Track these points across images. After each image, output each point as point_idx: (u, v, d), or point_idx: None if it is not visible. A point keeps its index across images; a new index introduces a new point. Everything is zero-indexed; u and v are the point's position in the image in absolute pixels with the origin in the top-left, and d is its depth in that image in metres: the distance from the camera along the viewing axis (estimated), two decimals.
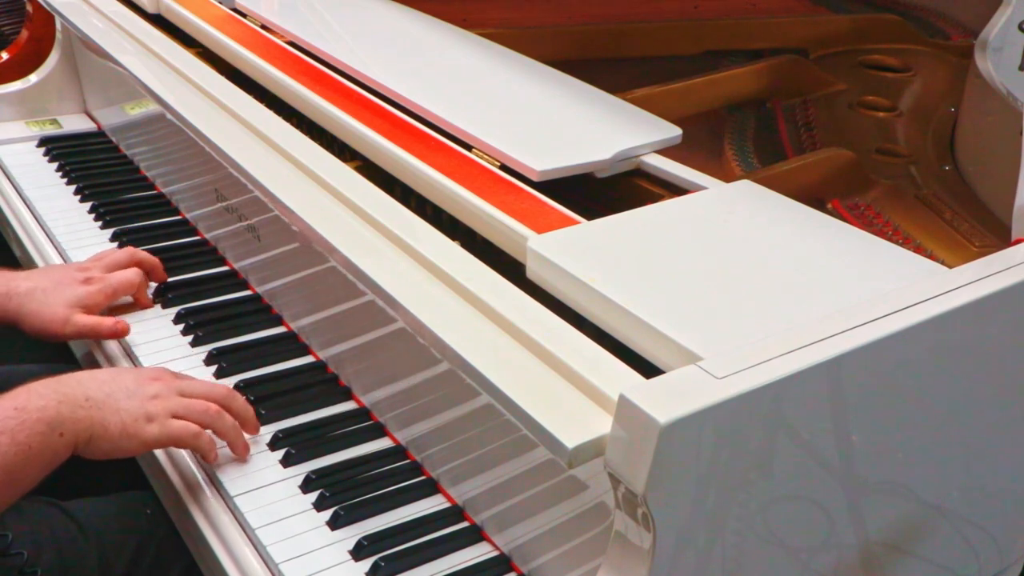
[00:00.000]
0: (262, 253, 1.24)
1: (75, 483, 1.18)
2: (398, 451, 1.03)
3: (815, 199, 1.25)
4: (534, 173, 1.02)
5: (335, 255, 0.97)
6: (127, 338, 1.17)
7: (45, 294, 1.12)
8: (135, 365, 1.15)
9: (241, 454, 0.99)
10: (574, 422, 0.72)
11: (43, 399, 0.86)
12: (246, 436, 1.01)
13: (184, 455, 1.02)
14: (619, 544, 0.72)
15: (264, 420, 1.05)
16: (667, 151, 1.11)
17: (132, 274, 1.20)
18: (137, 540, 1.02)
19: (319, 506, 0.95)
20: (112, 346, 1.18)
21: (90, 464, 1.20)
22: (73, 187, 1.55)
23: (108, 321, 1.15)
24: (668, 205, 1.00)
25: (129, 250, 1.24)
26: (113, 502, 1.09)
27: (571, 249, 0.88)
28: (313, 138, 1.18)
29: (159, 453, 1.04)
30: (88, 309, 1.14)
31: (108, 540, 1.01)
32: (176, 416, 0.94)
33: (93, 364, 1.18)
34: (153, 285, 1.27)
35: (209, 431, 0.97)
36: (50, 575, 0.95)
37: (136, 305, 1.23)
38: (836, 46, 1.60)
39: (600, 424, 0.72)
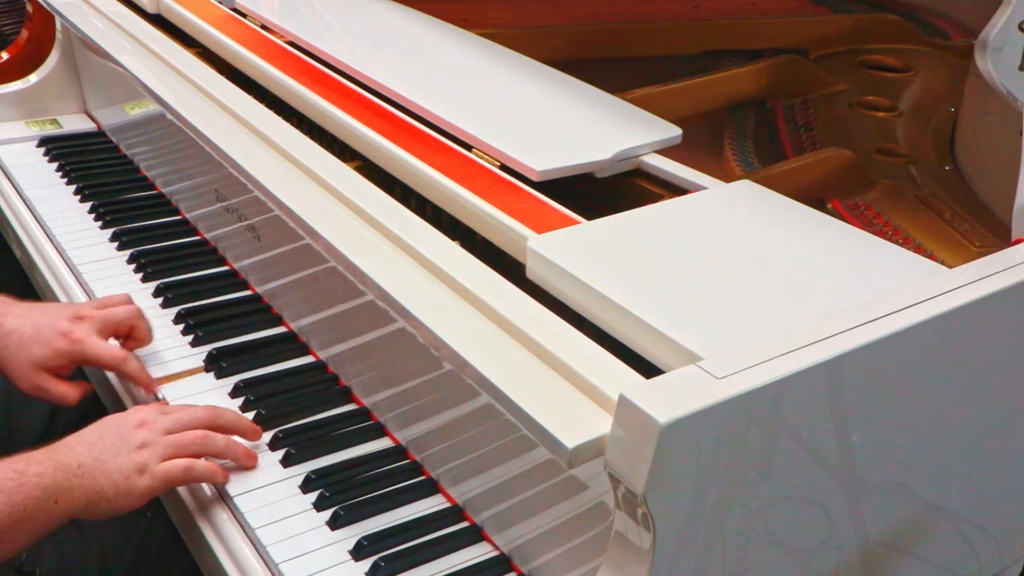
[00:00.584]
0: (262, 253, 1.24)
1: None
2: (398, 451, 1.03)
3: (815, 199, 1.25)
4: (534, 173, 1.02)
5: (335, 255, 0.97)
6: None
7: (19, 344, 1.07)
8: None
9: (245, 463, 0.98)
10: (574, 422, 0.72)
11: (41, 466, 0.87)
12: (251, 443, 1.00)
13: None
14: (619, 544, 0.72)
15: (264, 420, 1.05)
16: (667, 151, 1.11)
17: (117, 354, 1.09)
18: (138, 542, 1.02)
19: (319, 506, 0.95)
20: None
21: None
22: (73, 187, 1.55)
23: (73, 394, 1.09)
24: (668, 205, 1.00)
25: (133, 311, 1.14)
26: None
27: (571, 249, 0.88)
28: (313, 138, 1.18)
29: None
30: (52, 371, 1.07)
31: (109, 542, 1.01)
32: (166, 458, 0.93)
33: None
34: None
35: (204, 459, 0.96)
36: None
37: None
38: (836, 46, 1.59)
39: (600, 424, 0.72)
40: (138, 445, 0.93)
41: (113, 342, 1.09)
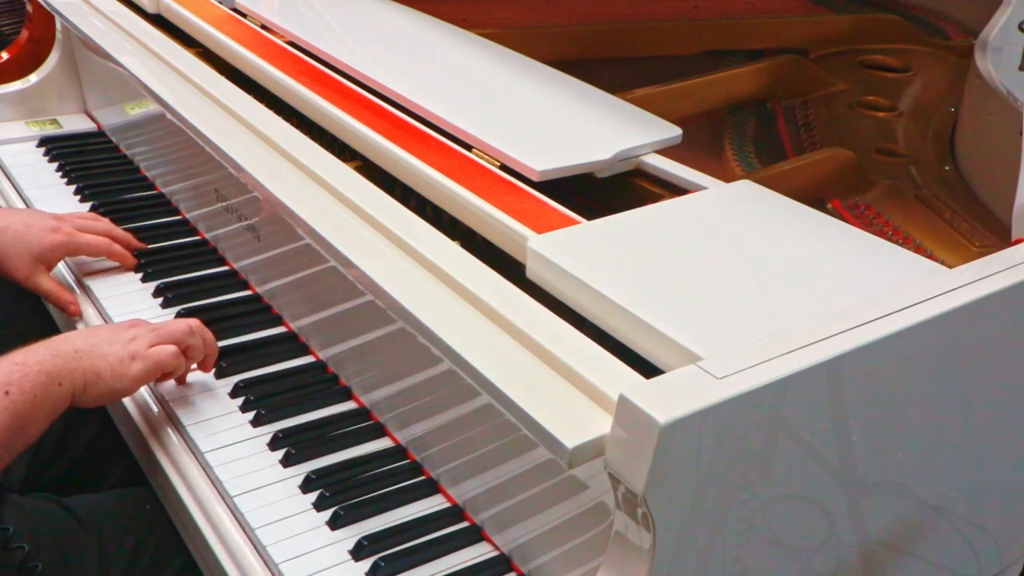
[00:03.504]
0: (262, 253, 1.24)
1: (75, 479, 1.18)
2: (398, 451, 1.03)
3: (815, 199, 1.25)
4: (534, 173, 1.02)
5: (335, 255, 0.97)
6: None
7: (16, 237, 1.18)
8: None
9: (208, 368, 1.09)
10: (574, 422, 0.72)
11: (39, 355, 0.93)
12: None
13: (182, 452, 1.02)
14: (619, 544, 0.72)
15: (264, 420, 1.05)
16: (667, 151, 1.11)
17: (99, 241, 1.26)
18: (137, 535, 1.03)
19: (319, 506, 0.95)
20: None
21: (90, 460, 1.21)
22: (73, 187, 1.55)
23: (65, 296, 1.22)
24: (668, 205, 1.00)
25: (107, 223, 1.31)
26: (113, 498, 1.10)
27: (571, 249, 0.88)
28: (313, 138, 1.18)
29: (157, 450, 1.04)
30: (49, 262, 1.22)
31: (108, 535, 1.01)
32: (154, 344, 1.02)
33: None
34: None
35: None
36: (51, 570, 0.96)
37: (120, 268, 1.31)
38: (836, 46, 1.60)
39: (600, 424, 0.72)
40: (130, 339, 1.01)
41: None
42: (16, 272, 1.18)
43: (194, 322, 1.07)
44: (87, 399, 0.96)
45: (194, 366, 1.09)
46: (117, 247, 1.29)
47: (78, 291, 1.30)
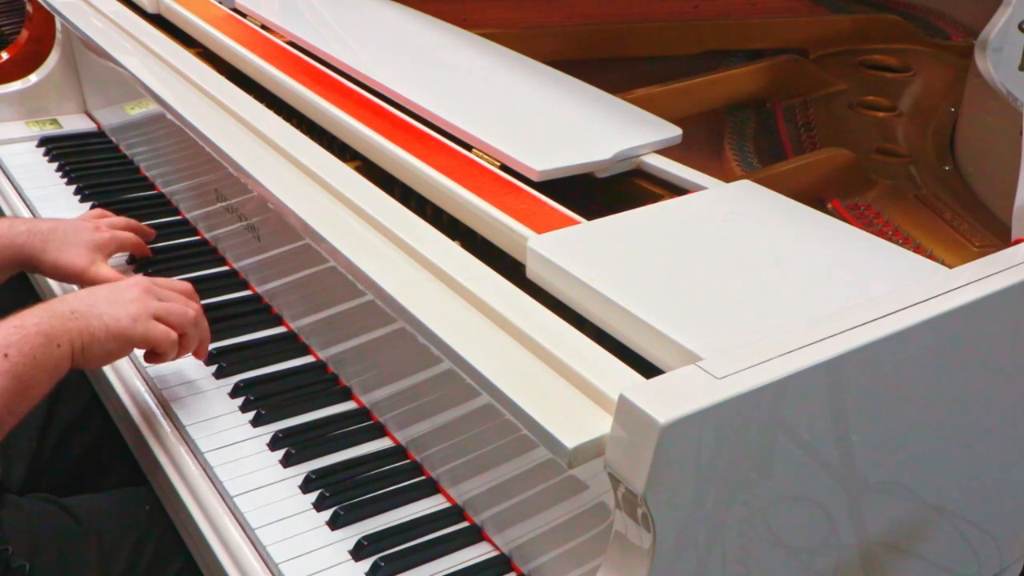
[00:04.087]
0: (262, 253, 1.24)
1: (76, 480, 1.19)
2: (398, 451, 1.03)
3: (815, 199, 1.25)
4: (534, 173, 1.02)
5: (335, 255, 0.97)
6: None
7: (67, 235, 1.20)
8: (137, 364, 1.15)
9: (200, 357, 1.10)
10: (574, 422, 0.72)
11: (36, 316, 0.93)
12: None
13: (182, 452, 1.02)
14: (619, 544, 0.72)
15: (264, 420, 1.05)
16: (667, 151, 1.11)
17: (132, 237, 1.29)
18: (136, 535, 1.03)
19: (319, 506, 0.95)
20: None
21: (89, 461, 1.21)
22: (73, 187, 1.55)
23: (133, 276, 1.21)
24: (668, 205, 1.00)
25: (125, 219, 1.33)
26: (112, 498, 1.10)
27: (571, 249, 0.88)
28: (313, 138, 1.18)
29: (157, 450, 1.04)
30: (105, 254, 1.22)
31: (107, 536, 1.01)
32: (157, 317, 1.01)
33: None
34: None
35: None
36: (49, 571, 0.96)
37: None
38: (836, 46, 1.59)
39: (600, 424, 0.72)
40: (129, 300, 1.01)
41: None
42: (75, 262, 1.18)
43: (197, 311, 1.07)
44: (86, 360, 0.96)
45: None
46: (144, 245, 1.32)
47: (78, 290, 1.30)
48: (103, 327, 0.96)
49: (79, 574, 0.98)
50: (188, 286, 1.10)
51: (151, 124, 1.49)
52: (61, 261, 1.18)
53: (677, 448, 0.66)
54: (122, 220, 1.32)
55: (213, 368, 1.13)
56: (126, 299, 1.00)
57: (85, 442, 1.22)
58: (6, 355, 0.87)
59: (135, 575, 1.01)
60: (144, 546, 1.03)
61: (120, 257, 1.33)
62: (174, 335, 1.02)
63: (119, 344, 0.98)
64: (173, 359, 1.05)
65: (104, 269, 1.20)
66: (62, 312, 0.95)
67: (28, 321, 0.91)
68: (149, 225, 1.43)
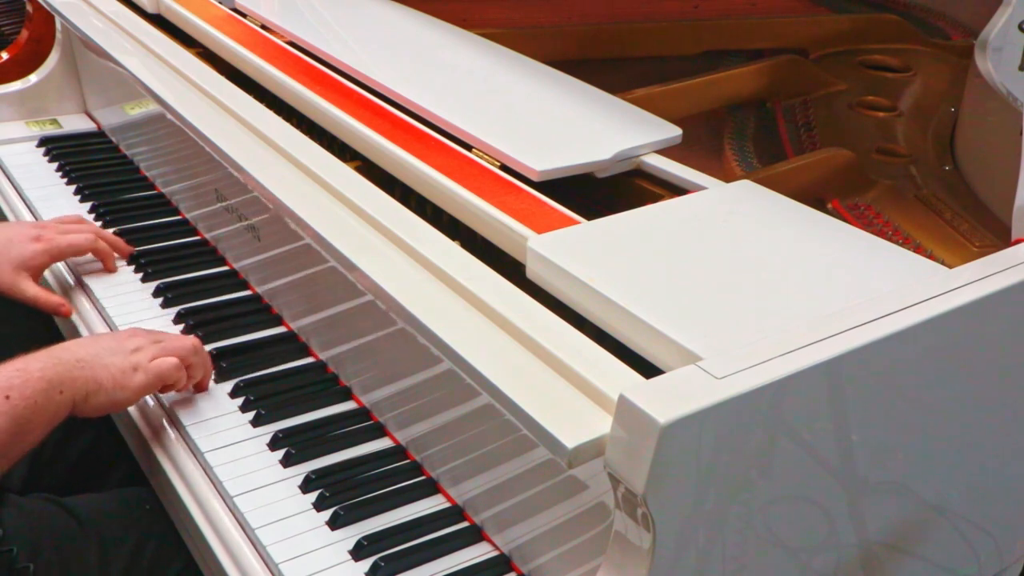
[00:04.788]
0: (262, 253, 1.24)
1: (75, 480, 1.18)
2: (398, 451, 1.03)
3: (815, 199, 1.25)
4: (534, 173, 1.02)
5: (335, 255, 0.97)
6: None
7: None
8: None
9: (202, 390, 1.09)
10: (574, 422, 0.72)
11: (40, 362, 0.93)
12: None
13: (182, 452, 1.02)
14: (619, 544, 0.72)
15: (264, 420, 1.05)
16: (667, 151, 1.11)
17: (82, 238, 1.26)
18: (137, 535, 1.03)
19: (319, 506, 0.95)
20: None
21: (90, 461, 1.21)
22: (73, 187, 1.55)
23: (54, 299, 1.22)
24: (668, 205, 1.00)
25: (92, 224, 1.32)
26: (112, 498, 1.10)
27: (571, 249, 0.88)
28: (313, 138, 1.18)
29: (157, 450, 1.04)
30: (33, 271, 1.21)
31: (108, 536, 1.01)
32: (156, 357, 1.02)
33: None
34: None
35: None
36: (50, 570, 0.96)
37: (103, 271, 1.31)
38: (836, 46, 1.60)
39: (600, 424, 0.72)
40: (133, 349, 1.01)
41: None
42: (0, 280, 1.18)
43: (196, 341, 1.07)
44: (87, 408, 0.96)
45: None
46: (101, 243, 1.28)
47: (78, 291, 1.30)
48: (109, 376, 0.97)
49: (80, 574, 0.98)
50: (188, 342, 1.08)
51: (151, 124, 1.49)
52: None
53: (677, 448, 0.66)
54: (84, 226, 1.29)
55: (213, 368, 1.13)
56: (128, 348, 1.01)
57: (85, 442, 1.22)
58: (7, 397, 0.88)
59: (135, 575, 1.01)
60: (144, 546, 1.03)
61: (122, 272, 1.33)
62: (175, 360, 1.02)
63: (125, 395, 0.98)
64: (183, 387, 1.06)
65: (27, 288, 1.19)
66: (67, 360, 0.95)
67: (32, 365, 0.92)
68: (149, 225, 1.43)
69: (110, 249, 1.30)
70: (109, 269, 1.30)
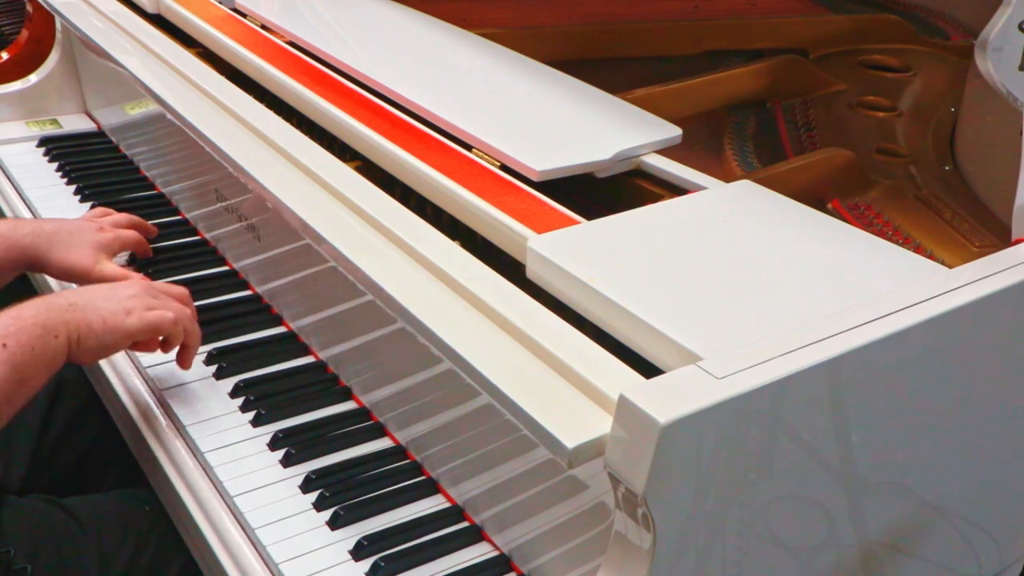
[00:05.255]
0: (262, 253, 1.24)
1: (73, 481, 1.19)
2: (398, 451, 1.03)
3: (815, 199, 1.25)
4: (534, 173, 1.02)
5: (335, 255, 0.97)
6: None
7: (71, 235, 1.21)
8: (136, 363, 1.15)
9: (190, 355, 1.08)
10: (574, 422, 0.72)
11: (33, 308, 0.94)
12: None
13: (182, 452, 1.02)
14: (619, 544, 0.72)
15: (264, 420, 1.05)
16: (667, 151, 1.11)
17: (135, 234, 1.30)
18: (136, 536, 1.03)
19: (319, 506, 0.95)
20: None
21: (91, 461, 1.21)
22: (73, 187, 1.55)
23: (136, 275, 1.23)
24: (668, 205, 1.00)
25: (127, 215, 1.34)
26: (112, 499, 1.10)
27: (571, 249, 0.88)
28: (313, 138, 1.18)
29: (157, 450, 1.04)
30: (110, 254, 1.23)
31: (107, 536, 1.02)
32: (152, 309, 1.02)
33: None
34: None
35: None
36: (49, 571, 0.96)
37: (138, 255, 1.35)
38: (836, 46, 1.60)
39: (600, 424, 0.72)
40: (128, 296, 1.02)
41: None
42: (81, 262, 1.19)
43: (192, 309, 1.08)
44: (82, 353, 0.96)
45: (173, 354, 1.09)
46: (145, 243, 1.33)
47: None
48: (100, 320, 0.97)
49: (79, 575, 0.98)
50: (184, 290, 1.11)
51: (151, 124, 1.49)
52: (67, 261, 1.19)
53: (677, 448, 0.66)
54: (124, 217, 1.32)
55: (213, 368, 1.13)
56: (123, 295, 1.02)
57: (84, 441, 1.22)
58: (4, 345, 0.88)
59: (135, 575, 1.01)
60: (144, 547, 1.03)
61: (120, 258, 1.33)
62: (170, 315, 1.03)
63: (115, 337, 0.99)
64: (165, 352, 1.06)
65: (109, 267, 1.21)
66: (59, 305, 0.96)
67: (25, 313, 0.92)
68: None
69: (147, 245, 1.34)
70: (147, 255, 1.35)
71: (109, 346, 0.99)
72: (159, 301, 1.04)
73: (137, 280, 1.08)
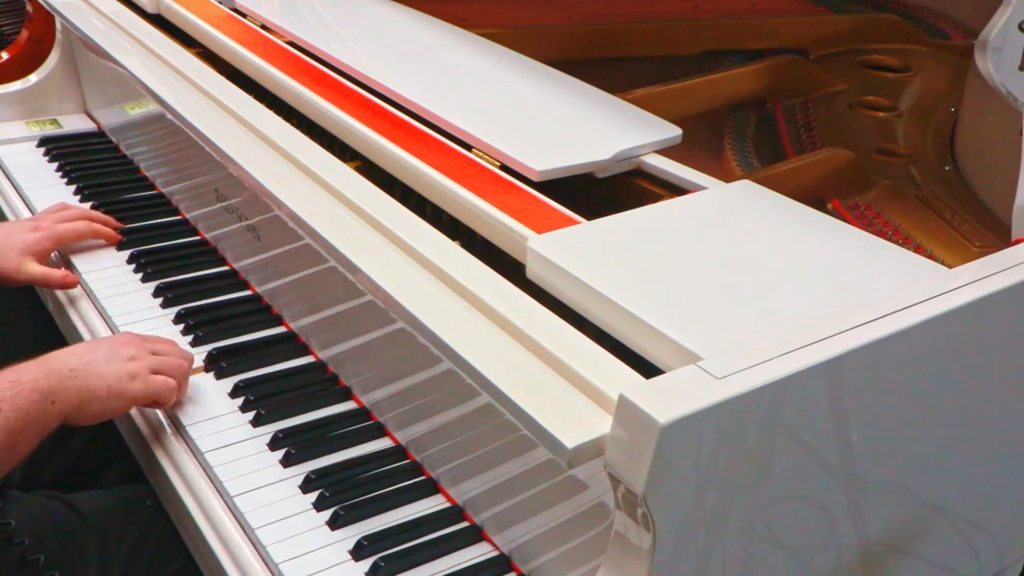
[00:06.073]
0: (262, 253, 1.24)
1: (77, 477, 1.19)
2: (398, 451, 1.03)
3: (815, 199, 1.25)
4: (534, 173, 1.02)
5: (335, 255, 0.97)
6: None
7: (0, 241, 1.23)
8: None
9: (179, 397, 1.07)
10: (574, 422, 0.72)
11: (33, 373, 0.93)
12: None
13: (182, 452, 1.02)
14: (619, 544, 0.72)
15: (264, 420, 1.05)
16: (667, 151, 1.11)
17: (81, 225, 1.31)
18: (137, 532, 1.03)
19: (319, 506, 0.95)
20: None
21: (91, 458, 1.21)
22: (73, 187, 1.55)
23: (58, 273, 1.26)
24: (668, 205, 1.00)
25: (81, 208, 1.37)
26: (114, 494, 1.10)
27: (571, 249, 0.88)
28: (313, 138, 1.18)
29: (157, 450, 1.04)
30: (37, 255, 1.25)
31: (109, 532, 1.02)
32: (155, 372, 1.02)
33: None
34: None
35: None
36: (52, 564, 0.96)
37: (102, 244, 1.36)
38: (836, 46, 1.60)
39: (600, 424, 0.72)
40: (129, 357, 1.01)
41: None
42: (6, 269, 1.21)
43: (189, 360, 1.08)
44: (81, 417, 0.96)
45: None
46: (98, 226, 1.34)
47: (79, 291, 1.30)
48: (104, 386, 0.96)
49: (80, 570, 0.98)
50: (172, 341, 1.11)
51: (151, 124, 1.49)
52: None
53: (677, 448, 0.66)
54: (76, 211, 1.35)
55: (213, 368, 1.13)
56: (124, 356, 1.00)
57: (83, 439, 1.22)
58: None
59: (135, 572, 1.01)
60: (145, 543, 1.03)
61: (120, 258, 1.33)
62: (173, 383, 1.03)
63: (120, 403, 0.98)
64: (163, 407, 1.06)
65: (33, 269, 1.23)
66: (60, 370, 0.95)
67: (24, 376, 0.92)
68: (149, 225, 1.43)
69: (105, 228, 1.35)
70: (112, 241, 1.36)
71: (112, 411, 0.99)
72: (159, 358, 1.03)
73: (128, 335, 1.07)
